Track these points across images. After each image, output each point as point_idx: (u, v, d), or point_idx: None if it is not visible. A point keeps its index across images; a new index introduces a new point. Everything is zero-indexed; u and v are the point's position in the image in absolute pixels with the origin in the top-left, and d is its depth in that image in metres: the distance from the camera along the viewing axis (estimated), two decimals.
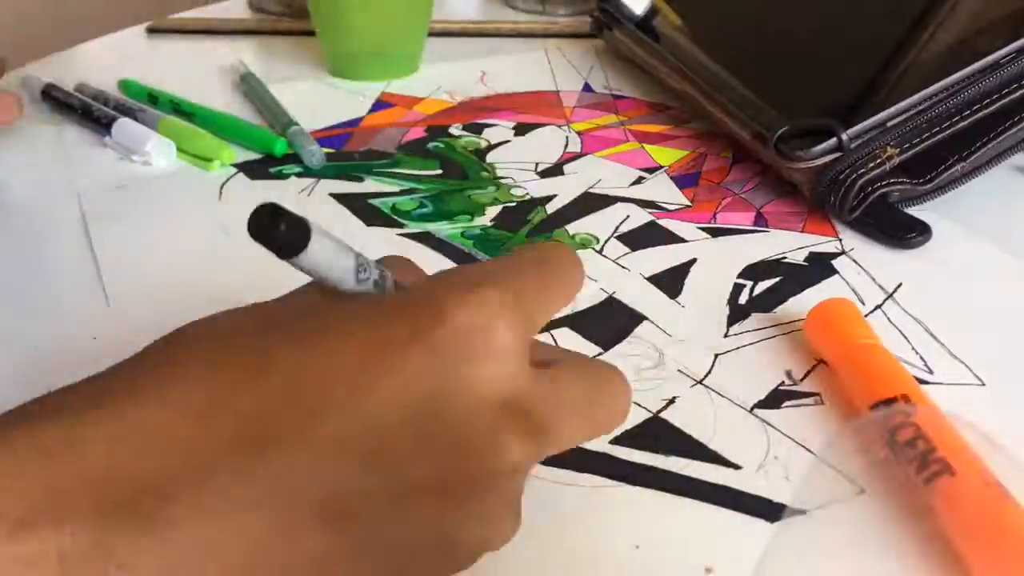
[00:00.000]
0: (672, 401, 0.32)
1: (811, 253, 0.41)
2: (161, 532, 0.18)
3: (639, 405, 0.31)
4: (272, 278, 0.38)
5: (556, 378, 0.22)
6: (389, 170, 0.48)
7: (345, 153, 0.50)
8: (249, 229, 0.20)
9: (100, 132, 0.50)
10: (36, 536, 0.17)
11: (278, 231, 0.20)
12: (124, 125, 0.50)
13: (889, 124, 0.41)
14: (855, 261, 0.40)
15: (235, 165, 0.48)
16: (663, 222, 0.43)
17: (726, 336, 0.35)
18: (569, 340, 0.35)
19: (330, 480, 0.19)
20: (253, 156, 0.49)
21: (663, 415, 0.31)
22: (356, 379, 0.19)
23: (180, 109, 0.53)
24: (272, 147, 0.49)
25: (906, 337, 0.35)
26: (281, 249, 0.20)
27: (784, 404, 0.31)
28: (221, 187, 0.46)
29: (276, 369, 0.19)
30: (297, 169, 0.48)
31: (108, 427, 0.19)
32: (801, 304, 0.37)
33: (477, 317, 0.20)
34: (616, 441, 0.30)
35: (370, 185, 0.47)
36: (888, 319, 0.36)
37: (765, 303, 0.37)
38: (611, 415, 0.23)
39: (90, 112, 0.51)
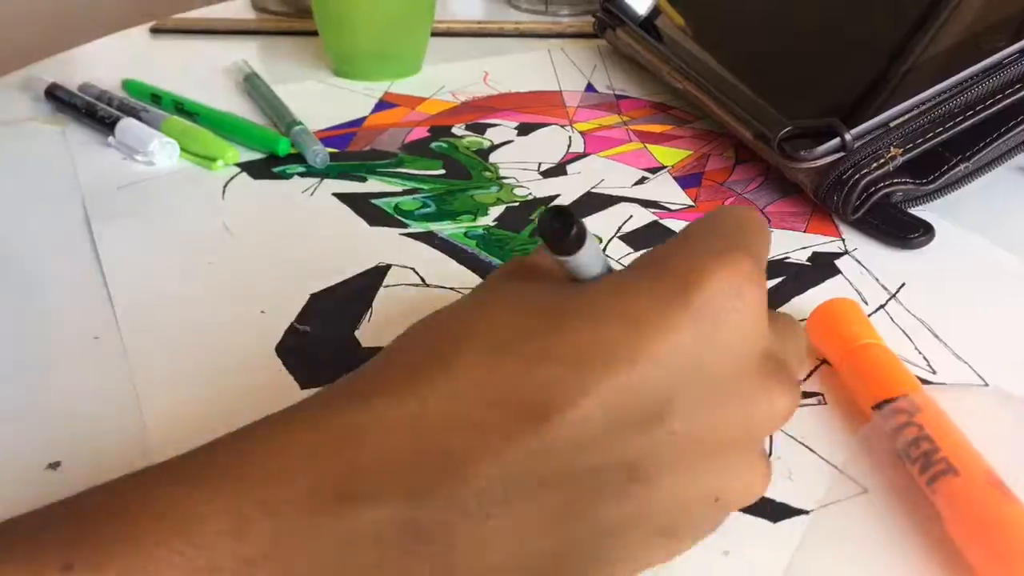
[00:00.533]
0: None
1: (814, 253, 0.40)
2: (467, 510, 0.19)
3: None
4: (273, 279, 0.39)
5: (776, 326, 0.23)
6: (392, 170, 0.48)
7: (348, 153, 0.50)
8: (540, 228, 0.21)
9: (104, 132, 0.51)
10: (354, 513, 0.19)
11: (566, 237, 0.21)
12: (128, 125, 0.50)
13: (892, 124, 0.41)
14: (858, 261, 0.40)
15: (238, 165, 0.48)
16: (666, 222, 0.43)
17: None
18: None
19: (614, 446, 0.20)
20: (256, 156, 0.49)
21: None
22: (625, 346, 0.20)
23: (183, 109, 0.53)
24: (275, 147, 0.49)
25: (909, 337, 0.35)
26: (563, 251, 0.21)
27: None
28: (224, 187, 0.46)
29: (550, 346, 0.20)
30: (300, 169, 0.48)
31: (408, 409, 0.20)
32: (804, 304, 0.37)
33: (729, 282, 0.21)
34: None
35: (373, 185, 0.47)
36: (891, 319, 0.36)
37: (768, 303, 0.37)
38: (805, 358, 0.26)
39: (94, 112, 0.52)
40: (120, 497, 0.19)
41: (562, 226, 0.21)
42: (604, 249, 0.41)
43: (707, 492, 0.22)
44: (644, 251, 0.23)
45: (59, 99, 0.54)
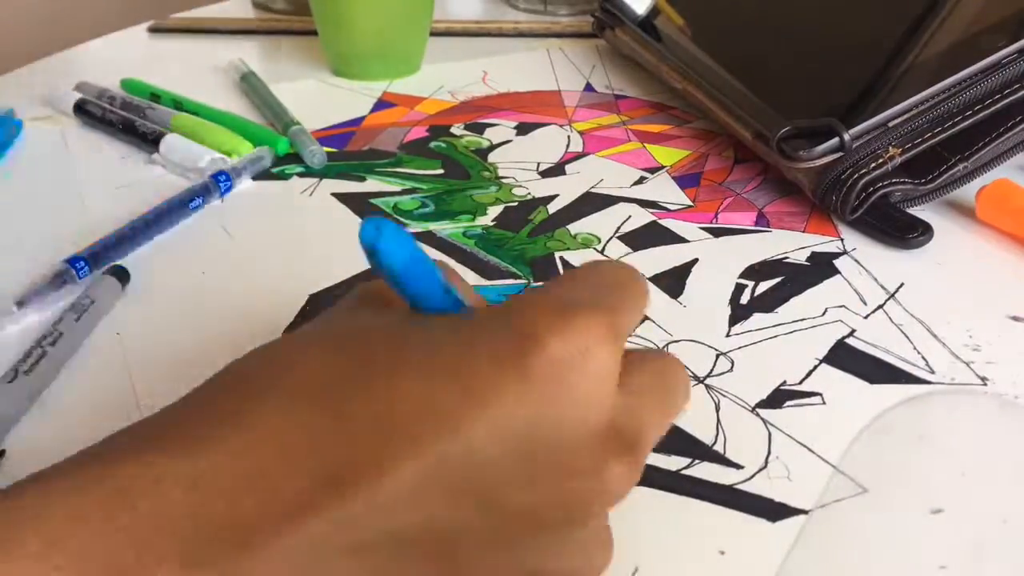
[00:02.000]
0: None
1: (813, 253, 0.41)
2: None
3: None
4: (272, 279, 0.39)
5: (632, 387, 0.21)
6: (391, 169, 0.48)
7: (347, 152, 0.50)
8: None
9: (143, 148, 0.50)
10: None
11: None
12: (174, 141, 0.48)
13: (891, 124, 0.41)
14: (857, 261, 0.40)
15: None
16: (665, 222, 0.43)
17: (728, 336, 0.35)
18: None
19: (427, 517, 0.18)
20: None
21: None
22: (453, 411, 0.18)
23: (183, 108, 0.53)
24: (275, 146, 0.49)
25: (908, 337, 0.35)
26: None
27: (786, 404, 0.31)
28: None
29: (368, 400, 0.18)
30: (299, 169, 0.48)
31: (192, 464, 0.18)
32: (803, 304, 0.37)
33: (575, 344, 0.19)
34: None
35: (372, 185, 0.47)
36: (890, 319, 0.36)
37: (767, 303, 0.37)
38: (679, 405, 0.23)
39: (133, 128, 0.50)
40: None
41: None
42: (603, 250, 0.41)
43: (528, 568, 0.20)
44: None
45: (90, 114, 0.52)
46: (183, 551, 0.17)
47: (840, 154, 0.41)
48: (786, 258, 0.40)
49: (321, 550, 0.17)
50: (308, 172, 0.48)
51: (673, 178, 0.47)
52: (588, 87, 0.59)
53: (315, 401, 0.19)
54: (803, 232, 0.42)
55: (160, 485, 0.17)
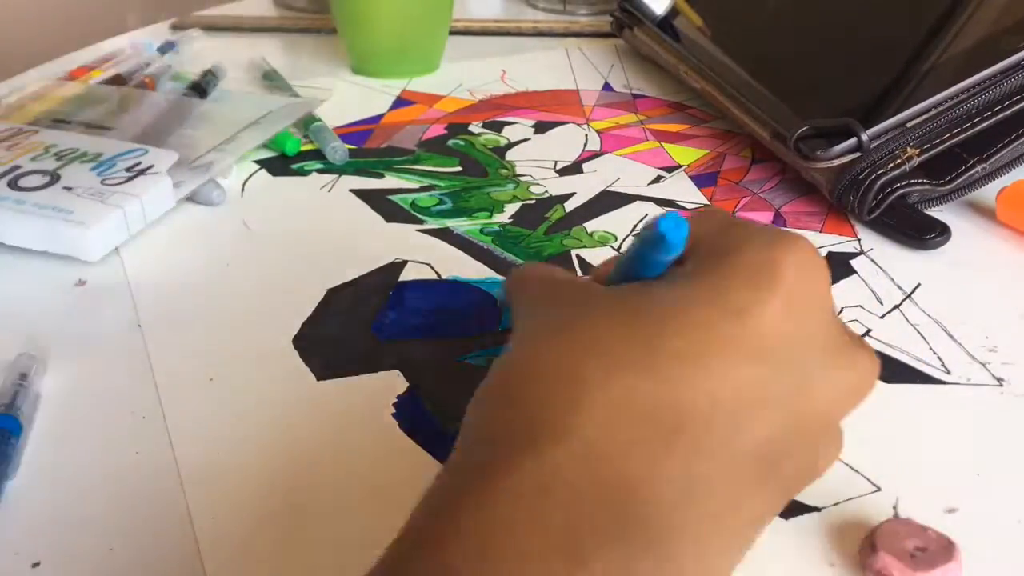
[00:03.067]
0: None
1: (830, 253, 0.41)
2: (665, 545, 0.19)
3: None
4: (291, 273, 0.39)
5: None
6: (409, 167, 0.48)
7: (366, 149, 0.51)
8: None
9: None
10: (589, 568, 0.18)
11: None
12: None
13: (909, 124, 0.41)
14: (874, 261, 0.40)
15: (257, 162, 0.49)
16: None
17: None
18: None
19: (750, 430, 0.20)
20: (273, 153, 0.50)
21: None
22: (737, 330, 0.21)
23: None
24: (284, 146, 0.49)
25: (924, 337, 0.35)
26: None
27: None
28: (244, 184, 0.47)
29: (663, 341, 0.20)
30: (319, 165, 0.48)
31: (571, 449, 0.19)
32: None
33: (803, 260, 0.22)
34: None
35: (390, 181, 0.47)
36: (906, 319, 0.36)
37: None
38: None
39: None
40: None
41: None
42: (619, 248, 0.41)
43: (814, 461, 0.22)
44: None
45: None
46: (609, 523, 0.19)
47: (858, 154, 0.41)
48: None
49: (692, 486, 0.19)
50: (327, 168, 0.48)
51: (690, 177, 0.47)
52: (606, 86, 0.59)
53: (632, 365, 0.20)
54: (820, 232, 0.42)
55: (559, 474, 0.19)
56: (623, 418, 0.19)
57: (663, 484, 0.19)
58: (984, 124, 0.41)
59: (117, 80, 0.56)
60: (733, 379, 0.20)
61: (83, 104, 0.51)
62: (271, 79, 0.58)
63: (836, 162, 0.41)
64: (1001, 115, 0.40)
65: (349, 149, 0.50)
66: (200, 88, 0.55)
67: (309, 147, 0.50)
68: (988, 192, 0.42)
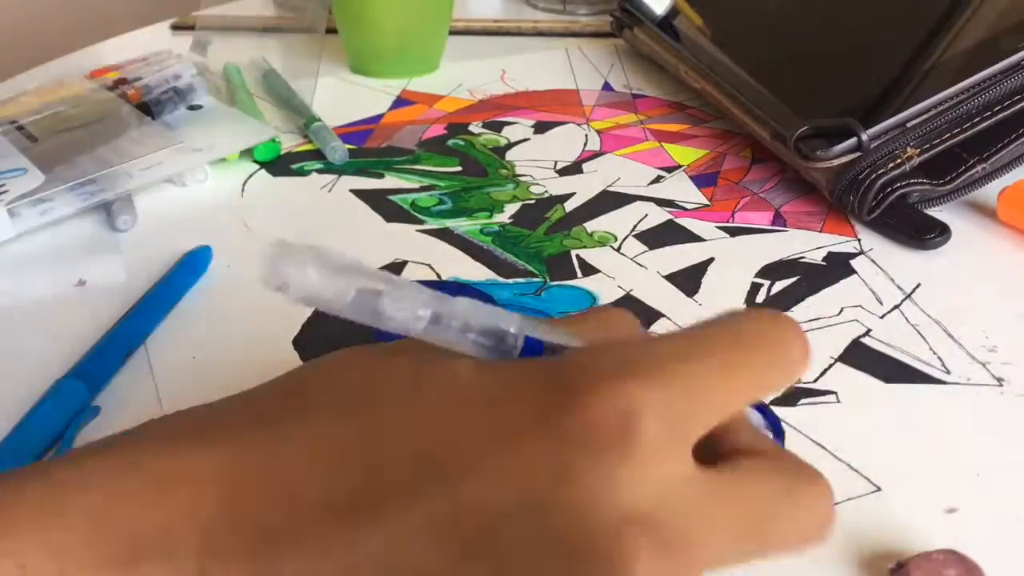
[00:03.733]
0: None
1: (829, 253, 0.41)
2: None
3: None
4: None
5: (725, 483, 0.18)
6: (409, 167, 0.48)
7: (366, 149, 0.50)
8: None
9: None
10: (141, 570, 0.18)
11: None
12: None
13: (909, 124, 0.41)
14: (873, 261, 0.40)
15: (257, 162, 0.49)
16: (681, 221, 0.43)
17: None
18: None
19: (432, 562, 0.17)
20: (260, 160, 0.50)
21: None
22: (479, 459, 0.17)
23: None
24: (259, 155, 0.49)
25: (924, 337, 0.35)
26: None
27: (801, 402, 0.32)
28: (243, 184, 0.47)
29: (406, 431, 0.18)
30: (318, 165, 0.48)
31: (227, 461, 0.18)
32: (819, 303, 0.37)
33: (612, 412, 0.17)
34: None
35: (390, 181, 0.47)
36: (906, 319, 0.36)
37: (782, 302, 0.37)
38: (794, 533, 0.19)
39: None
40: None
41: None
42: (619, 248, 0.41)
43: None
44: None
45: None
46: (206, 542, 0.18)
47: (858, 154, 0.41)
48: (802, 258, 0.40)
49: (329, 565, 0.18)
50: (327, 169, 0.48)
51: (690, 177, 0.47)
52: (606, 86, 0.59)
53: (352, 419, 0.19)
54: (820, 232, 0.42)
55: (193, 478, 0.18)
56: (297, 458, 0.18)
57: (286, 543, 0.18)
58: (984, 124, 0.41)
59: (120, 83, 0.55)
60: (439, 504, 0.17)
61: (53, 107, 0.50)
62: (271, 79, 0.58)
63: (836, 162, 0.41)
64: (1001, 115, 0.40)
65: (349, 149, 0.50)
66: (146, 107, 0.51)
67: (309, 147, 0.50)
68: (988, 192, 0.42)
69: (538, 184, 0.47)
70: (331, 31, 0.66)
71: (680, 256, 0.40)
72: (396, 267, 0.39)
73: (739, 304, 0.37)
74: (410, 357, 0.20)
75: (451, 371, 0.19)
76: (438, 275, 0.39)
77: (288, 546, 0.18)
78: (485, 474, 0.17)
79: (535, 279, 0.39)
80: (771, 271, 0.39)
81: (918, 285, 0.38)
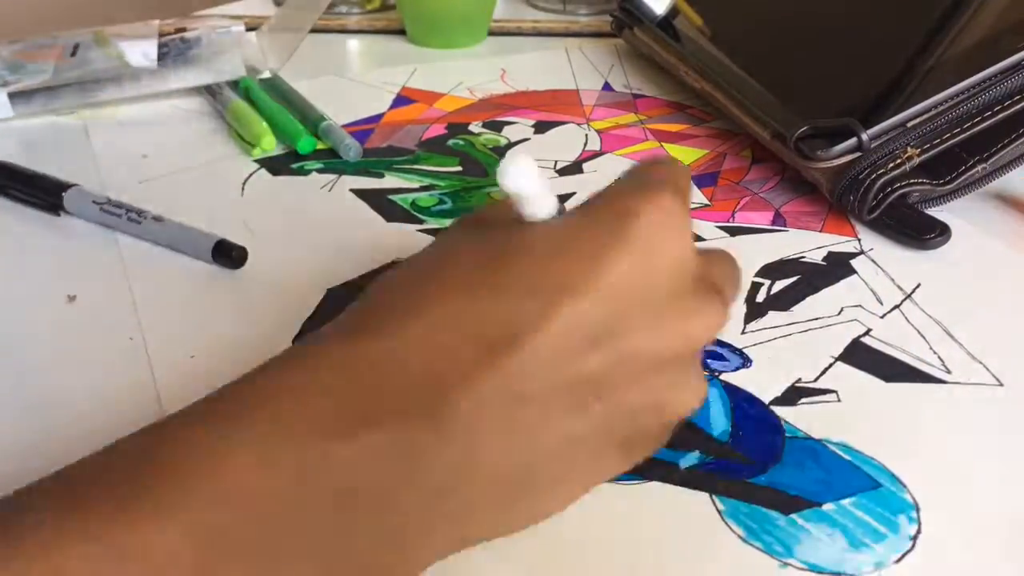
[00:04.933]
0: None
1: (829, 253, 0.41)
2: (453, 432, 0.21)
3: None
4: (291, 274, 0.39)
5: (710, 256, 0.26)
6: (409, 166, 0.48)
7: (366, 149, 0.50)
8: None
9: None
10: (360, 438, 0.20)
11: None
12: None
13: (910, 124, 0.41)
14: (874, 261, 0.40)
15: (257, 161, 0.49)
16: None
17: (743, 333, 0.35)
18: None
19: (577, 365, 0.22)
20: (276, 152, 0.50)
21: None
22: (579, 277, 0.22)
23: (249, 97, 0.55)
24: (296, 142, 0.49)
25: (924, 337, 0.35)
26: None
27: (801, 401, 0.32)
28: (243, 183, 0.47)
29: (515, 276, 0.23)
30: (319, 165, 0.48)
31: (391, 344, 0.22)
32: (819, 303, 0.37)
33: (658, 213, 0.23)
34: None
35: (390, 181, 0.47)
36: (906, 319, 0.36)
37: (782, 302, 0.37)
38: (738, 282, 0.29)
39: None
40: (161, 442, 0.21)
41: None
42: None
43: (655, 404, 0.24)
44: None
45: None
46: (398, 409, 0.21)
47: (858, 154, 0.41)
48: (803, 257, 0.40)
49: (497, 402, 0.21)
50: (327, 168, 0.48)
51: (690, 177, 0.47)
52: (606, 86, 0.60)
53: (473, 285, 0.23)
54: (820, 232, 0.42)
55: (367, 360, 0.22)
56: (448, 330, 0.22)
57: (471, 391, 0.21)
58: (984, 124, 0.41)
59: (179, 31, 0.58)
60: (568, 315, 0.22)
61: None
62: (274, 80, 0.58)
63: (836, 162, 0.41)
64: (1001, 115, 0.40)
65: None
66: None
67: (320, 146, 0.50)
68: (989, 192, 0.42)
69: None
70: (329, 31, 0.66)
71: None
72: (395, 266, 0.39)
73: (739, 305, 0.37)
74: (481, 229, 0.25)
75: (524, 228, 0.24)
76: None
77: (464, 391, 0.21)
78: (597, 279, 0.22)
79: None
80: (771, 271, 0.39)
81: (918, 285, 0.38)
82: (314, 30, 0.70)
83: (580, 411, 0.23)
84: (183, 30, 0.57)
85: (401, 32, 0.70)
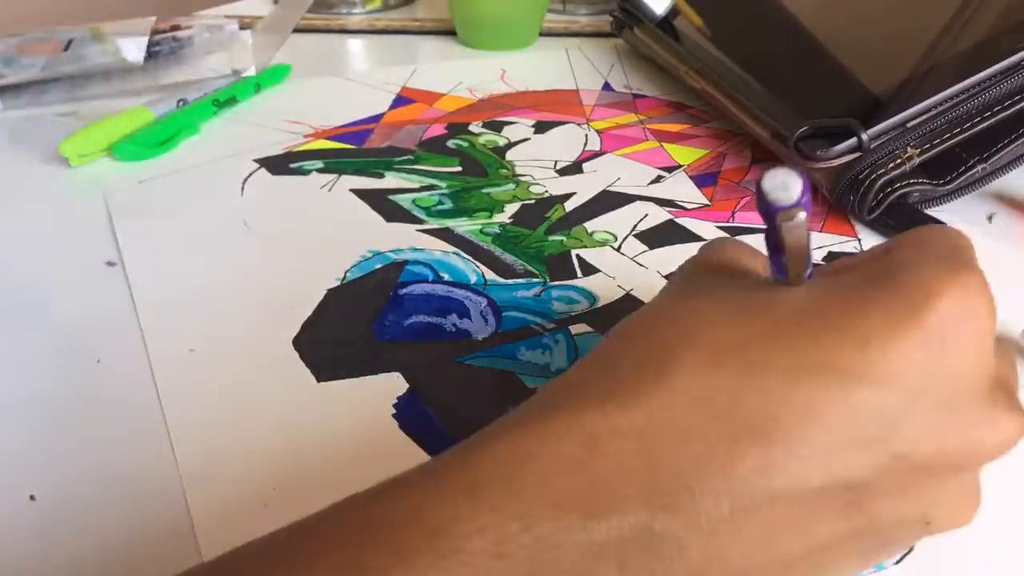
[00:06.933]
0: None
1: (829, 252, 0.41)
2: (698, 525, 0.19)
3: None
4: (291, 274, 0.39)
5: (998, 349, 0.22)
6: (409, 166, 0.48)
7: (366, 149, 0.50)
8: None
9: None
10: (601, 527, 0.18)
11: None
12: None
13: (910, 124, 0.41)
14: None
15: (257, 161, 0.49)
16: (681, 221, 0.43)
17: None
18: (586, 337, 0.35)
19: (840, 467, 0.19)
20: (275, 152, 0.50)
21: None
22: (861, 364, 0.19)
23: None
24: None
25: None
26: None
27: None
28: (243, 183, 0.47)
29: (779, 357, 0.20)
30: (319, 164, 0.48)
31: (635, 419, 0.19)
32: None
33: (964, 300, 0.20)
34: None
35: (390, 181, 0.47)
36: None
37: None
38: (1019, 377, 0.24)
39: None
40: (389, 513, 0.19)
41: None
42: (619, 248, 0.41)
43: (921, 516, 0.21)
44: (836, 260, 0.23)
45: None
46: (643, 496, 0.19)
47: (858, 154, 0.41)
48: None
49: (746, 497, 0.19)
50: (327, 168, 0.48)
51: (690, 177, 0.47)
52: (606, 86, 0.59)
53: (730, 358, 0.20)
54: (820, 232, 0.42)
55: (616, 433, 0.19)
56: (698, 409, 0.19)
57: (719, 484, 0.19)
58: (984, 124, 0.41)
59: (174, 28, 0.58)
60: (839, 405, 0.19)
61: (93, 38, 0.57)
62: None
63: (836, 162, 0.41)
64: (1001, 115, 0.40)
65: (349, 149, 0.50)
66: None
67: (309, 147, 0.50)
68: (989, 192, 0.42)
69: (538, 184, 0.47)
70: (332, 31, 0.66)
71: (680, 256, 0.40)
72: (396, 267, 0.39)
73: None
74: (736, 288, 0.23)
75: (792, 298, 0.21)
76: (439, 275, 0.39)
77: (712, 479, 0.19)
78: (875, 377, 0.19)
79: (535, 279, 0.39)
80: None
81: None
82: (314, 30, 0.70)
83: (837, 521, 0.20)
84: (177, 28, 0.57)
85: (403, 32, 0.70)
